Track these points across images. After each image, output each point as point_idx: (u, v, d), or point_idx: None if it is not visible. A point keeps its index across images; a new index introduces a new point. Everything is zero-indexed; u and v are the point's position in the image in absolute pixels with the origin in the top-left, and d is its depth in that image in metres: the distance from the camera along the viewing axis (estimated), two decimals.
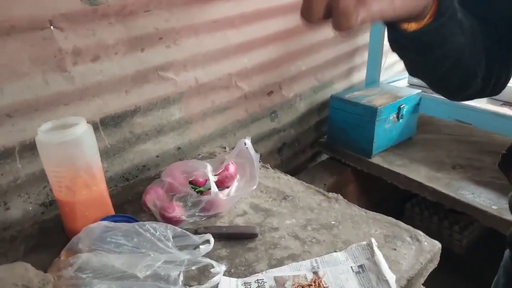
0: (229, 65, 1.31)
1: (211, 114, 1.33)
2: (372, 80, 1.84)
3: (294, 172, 1.65)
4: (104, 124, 1.06)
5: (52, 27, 0.89)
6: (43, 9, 0.87)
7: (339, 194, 1.00)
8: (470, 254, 1.84)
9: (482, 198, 1.32)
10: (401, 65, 2.13)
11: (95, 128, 1.02)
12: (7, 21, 0.83)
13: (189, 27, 1.15)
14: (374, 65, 1.83)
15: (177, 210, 0.87)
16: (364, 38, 1.82)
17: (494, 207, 1.27)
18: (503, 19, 0.53)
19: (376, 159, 1.58)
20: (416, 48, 0.48)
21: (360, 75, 1.92)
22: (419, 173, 1.50)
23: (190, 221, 0.89)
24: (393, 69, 2.12)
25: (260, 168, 1.10)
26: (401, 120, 1.60)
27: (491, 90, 0.58)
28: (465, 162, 1.55)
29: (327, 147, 1.74)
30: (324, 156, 1.82)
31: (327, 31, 1.63)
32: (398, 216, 0.90)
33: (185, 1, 1.11)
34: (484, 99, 1.78)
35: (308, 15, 0.37)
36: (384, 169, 1.54)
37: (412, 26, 0.44)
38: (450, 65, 0.51)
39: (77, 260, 0.73)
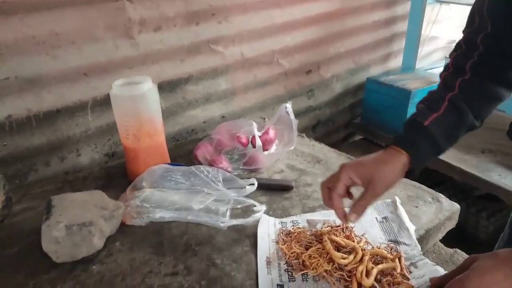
0: (272, 42, 1.41)
1: (253, 88, 1.45)
2: (408, 67, 1.90)
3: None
4: (161, 88, 1.19)
5: None
6: None
7: None
8: (496, 241, 1.87)
9: (508, 180, 1.38)
10: (438, 54, 2.16)
11: None
12: None
13: (239, 5, 1.27)
14: (411, 53, 1.88)
15: (224, 163, 0.99)
16: (403, 25, 1.87)
17: None
18: None
19: None
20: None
21: (397, 61, 1.98)
22: (448, 154, 1.54)
23: (235, 173, 1.01)
24: (430, 58, 2.16)
25: (297, 135, 1.21)
26: None
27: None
28: (495, 147, 1.60)
29: (361, 128, 1.82)
30: (357, 137, 1.91)
31: (366, 16, 1.70)
32: None
33: None
34: None
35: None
36: None
37: None
38: None
39: (142, 193, 0.87)
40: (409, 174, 0.66)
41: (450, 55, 0.72)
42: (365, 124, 1.79)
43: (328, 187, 0.65)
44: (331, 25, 1.58)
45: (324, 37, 1.58)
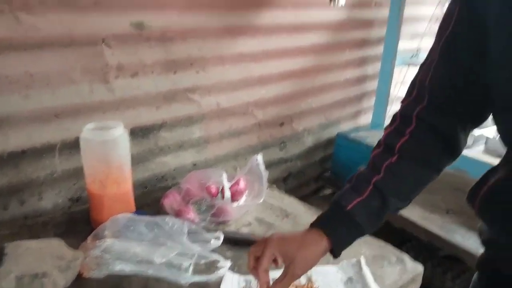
0: (248, 94, 1.45)
1: (227, 137, 1.46)
2: (377, 124, 1.97)
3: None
4: (133, 134, 1.19)
5: (103, 44, 1.05)
6: (99, 29, 1.03)
7: None
8: None
9: (470, 241, 1.41)
10: None
11: None
12: (69, 36, 0.98)
13: (217, 57, 1.31)
14: (380, 110, 1.96)
15: (192, 214, 0.98)
16: (373, 84, 1.97)
17: (481, 251, 1.35)
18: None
19: None
20: None
21: (366, 118, 2.05)
22: (413, 212, 1.59)
23: (202, 224, 0.99)
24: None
25: (267, 188, 1.21)
26: None
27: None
28: (458, 208, 1.64)
29: (330, 182, 1.85)
30: (328, 191, 1.93)
31: (339, 74, 1.78)
32: None
33: (218, 34, 1.27)
34: (481, 150, 1.88)
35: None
36: None
37: None
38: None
39: (103, 243, 0.84)
40: (331, 253, 0.69)
41: (385, 128, 0.74)
42: (334, 179, 1.82)
43: (255, 255, 0.68)
44: (305, 80, 1.64)
45: (297, 92, 1.63)
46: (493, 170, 0.68)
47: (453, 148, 0.70)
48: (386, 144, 0.71)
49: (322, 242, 0.67)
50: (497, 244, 0.68)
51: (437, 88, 0.68)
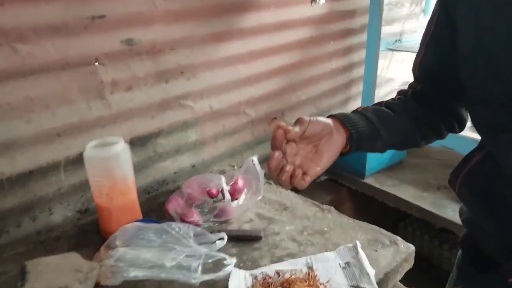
0: (239, 94, 1.50)
1: (222, 137, 1.52)
2: None
3: (294, 190, 1.82)
4: (132, 144, 1.24)
5: (97, 63, 1.09)
6: (92, 49, 1.07)
7: (331, 206, 1.17)
8: None
9: None
10: (394, 94, 2.32)
11: None
12: (64, 59, 1.03)
13: (206, 62, 1.36)
14: (369, 95, 2.02)
15: (195, 216, 1.04)
16: (359, 71, 2.02)
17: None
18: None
19: (368, 180, 1.76)
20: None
21: (356, 104, 2.11)
22: (407, 192, 1.67)
23: (205, 225, 1.06)
24: (388, 98, 2.31)
25: (264, 184, 1.27)
26: None
27: (451, 132, 0.79)
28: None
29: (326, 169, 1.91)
30: (323, 177, 1.99)
31: (325, 65, 1.83)
32: None
33: (203, 41, 1.32)
34: (467, 127, 1.95)
35: (270, 176, 0.65)
36: (375, 189, 1.71)
37: (342, 151, 0.69)
38: (389, 149, 0.76)
39: (116, 253, 0.90)
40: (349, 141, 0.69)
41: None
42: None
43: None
44: (293, 75, 1.69)
45: (286, 87, 1.68)
46: (471, 155, 0.75)
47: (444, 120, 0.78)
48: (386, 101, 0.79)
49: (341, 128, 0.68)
50: (475, 223, 0.75)
51: (425, 81, 0.77)
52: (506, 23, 0.57)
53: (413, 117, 0.75)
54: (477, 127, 0.70)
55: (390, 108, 0.75)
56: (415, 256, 1.00)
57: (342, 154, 0.69)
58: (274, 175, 0.62)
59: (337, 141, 0.66)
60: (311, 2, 1.34)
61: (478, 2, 0.61)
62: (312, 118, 0.64)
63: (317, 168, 0.64)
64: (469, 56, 0.64)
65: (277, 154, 0.61)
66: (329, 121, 0.66)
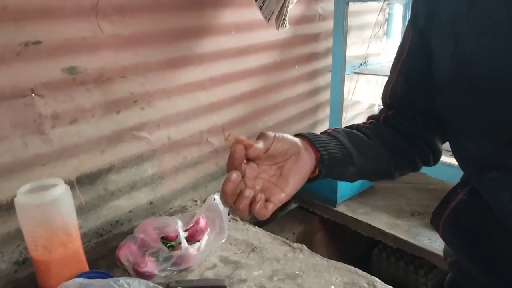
0: (200, 123, 1.40)
1: (183, 169, 1.40)
2: None
3: (264, 221, 1.71)
4: (79, 183, 1.11)
5: (33, 94, 0.97)
6: (26, 79, 0.94)
7: (303, 245, 1.07)
8: None
9: (437, 243, 1.42)
10: (361, 117, 2.29)
11: (71, 186, 1.06)
12: None
13: (162, 90, 1.25)
14: (336, 119, 1.96)
15: (150, 265, 0.91)
16: (326, 95, 1.97)
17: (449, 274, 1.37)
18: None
19: (340, 208, 1.67)
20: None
21: (324, 127, 2.05)
22: (380, 220, 1.59)
23: (162, 275, 0.93)
24: (355, 121, 2.28)
25: (229, 221, 1.16)
26: None
27: (425, 165, 0.71)
28: (423, 209, 1.66)
29: (295, 196, 1.81)
30: (293, 205, 1.90)
31: (290, 90, 1.77)
32: (366, 262, 0.97)
33: (159, 67, 1.22)
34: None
35: (224, 202, 0.52)
36: (348, 217, 1.63)
37: (310, 176, 0.58)
38: (361, 178, 0.67)
39: None
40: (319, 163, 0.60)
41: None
42: (299, 193, 1.78)
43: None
44: (258, 101, 1.61)
45: (251, 113, 1.60)
46: (453, 192, 0.67)
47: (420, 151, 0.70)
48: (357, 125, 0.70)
49: (309, 148, 0.58)
50: (462, 268, 0.66)
51: (399, 107, 0.69)
52: (489, 47, 0.51)
53: (388, 144, 0.67)
54: (460, 161, 0.62)
55: (362, 132, 0.67)
56: (391, 283, 0.92)
57: (309, 180, 0.59)
58: (230, 202, 0.51)
59: (306, 164, 0.56)
60: (277, 27, 1.27)
61: (456, 25, 0.54)
62: (277, 134, 0.54)
63: (282, 194, 0.54)
64: (448, 85, 0.57)
65: (235, 175, 0.50)
66: (296, 139, 0.56)
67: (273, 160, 0.54)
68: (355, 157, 0.61)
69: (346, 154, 0.61)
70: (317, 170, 0.59)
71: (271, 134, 0.53)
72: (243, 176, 0.52)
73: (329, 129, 0.65)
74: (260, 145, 0.52)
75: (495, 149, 0.54)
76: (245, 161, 0.52)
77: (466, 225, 0.63)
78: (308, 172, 0.56)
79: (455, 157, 0.63)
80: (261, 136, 0.54)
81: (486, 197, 0.58)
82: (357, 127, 0.69)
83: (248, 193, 0.50)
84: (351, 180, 0.66)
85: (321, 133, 0.64)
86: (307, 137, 0.59)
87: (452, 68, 0.55)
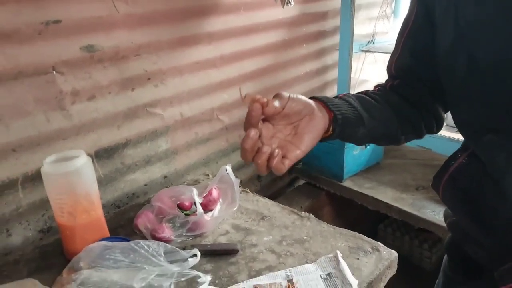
0: (211, 100, 1.45)
1: (195, 145, 1.46)
2: None
3: (273, 197, 1.77)
4: (98, 156, 1.17)
5: (54, 72, 1.02)
6: (47, 57, 1.00)
7: (310, 213, 1.13)
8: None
9: (441, 215, 1.46)
10: None
11: None
12: (15, 68, 0.95)
13: (175, 68, 1.29)
14: None
15: (166, 231, 0.98)
16: (333, 73, 2.00)
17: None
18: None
19: (347, 183, 1.72)
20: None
21: None
22: (386, 194, 1.64)
23: (178, 240, 0.99)
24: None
25: (240, 193, 1.22)
26: (368, 147, 1.76)
27: (429, 133, 0.74)
28: (427, 183, 1.70)
29: (303, 173, 1.88)
30: (301, 182, 1.95)
31: (298, 68, 1.80)
32: (372, 237, 1.01)
33: (171, 46, 1.26)
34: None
35: (244, 159, 0.55)
36: (354, 192, 1.68)
37: (323, 136, 0.62)
38: (369, 141, 0.72)
39: (79, 276, 0.83)
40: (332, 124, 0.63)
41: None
42: (306, 169, 1.85)
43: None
44: (266, 79, 1.65)
45: (260, 91, 1.63)
46: (454, 156, 0.71)
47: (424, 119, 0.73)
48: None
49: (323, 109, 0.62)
50: (461, 228, 0.71)
51: (404, 78, 0.73)
52: (488, 17, 0.54)
53: (395, 109, 0.70)
54: (460, 127, 0.67)
55: (371, 97, 0.70)
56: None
57: (322, 139, 0.62)
58: (249, 158, 0.54)
59: (319, 123, 0.59)
60: (283, 5, 1.30)
61: None
62: (291, 94, 0.57)
63: (298, 151, 0.57)
64: (448, 53, 0.61)
65: (253, 132, 0.53)
66: (310, 101, 0.59)
67: (288, 119, 0.57)
68: (366, 119, 0.65)
69: (357, 115, 0.65)
70: (330, 130, 0.62)
71: (286, 94, 0.56)
72: (260, 135, 0.55)
73: (340, 94, 0.69)
74: (276, 103, 0.55)
75: (491, 114, 0.58)
76: (261, 122, 0.56)
77: (465, 186, 0.67)
78: (321, 131, 0.60)
79: (455, 123, 0.67)
80: (276, 95, 0.56)
81: (484, 159, 0.62)
82: (366, 92, 0.72)
83: (266, 149, 0.54)
84: (361, 142, 0.70)
85: (333, 97, 0.68)
86: (320, 99, 0.63)
87: (452, 37, 0.59)
